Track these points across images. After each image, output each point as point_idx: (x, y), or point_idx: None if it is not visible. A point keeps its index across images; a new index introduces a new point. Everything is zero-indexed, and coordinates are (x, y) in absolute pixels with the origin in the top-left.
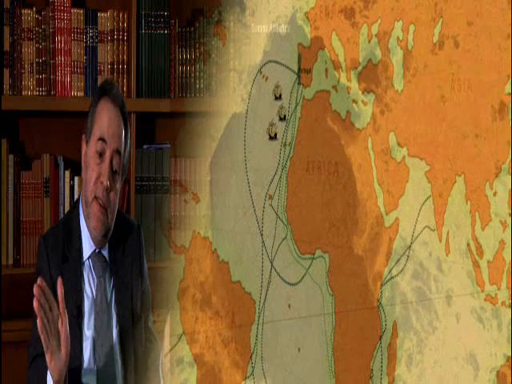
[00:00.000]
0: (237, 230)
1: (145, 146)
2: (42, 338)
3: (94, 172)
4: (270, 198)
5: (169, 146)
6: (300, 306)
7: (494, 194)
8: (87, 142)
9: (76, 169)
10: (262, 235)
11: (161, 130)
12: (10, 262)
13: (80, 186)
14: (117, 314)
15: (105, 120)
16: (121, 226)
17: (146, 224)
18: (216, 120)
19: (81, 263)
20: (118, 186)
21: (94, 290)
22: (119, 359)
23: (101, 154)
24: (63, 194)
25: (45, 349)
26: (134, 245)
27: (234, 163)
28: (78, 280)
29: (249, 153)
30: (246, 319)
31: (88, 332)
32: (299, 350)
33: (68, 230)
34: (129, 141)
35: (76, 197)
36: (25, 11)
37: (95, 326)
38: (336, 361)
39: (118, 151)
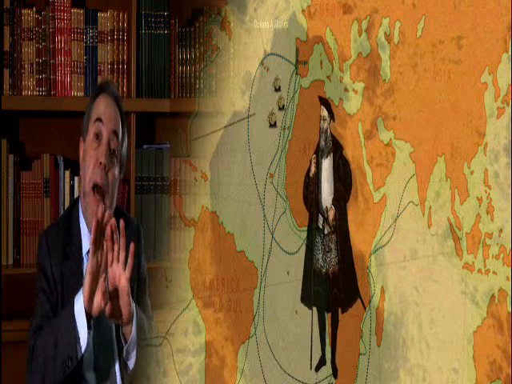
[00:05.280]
0: (241, 205)
1: (145, 146)
2: (90, 278)
3: (92, 158)
4: (271, 176)
5: (169, 145)
6: (298, 272)
7: (472, 172)
8: (84, 138)
9: (76, 169)
10: (263, 210)
11: (161, 130)
12: (10, 262)
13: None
14: None
15: (101, 106)
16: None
17: (146, 224)
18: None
19: (81, 261)
20: (117, 171)
21: None
22: (117, 356)
23: (98, 137)
24: (63, 194)
25: (89, 287)
26: (132, 241)
27: (238, 146)
28: (78, 277)
29: (252, 137)
30: (249, 284)
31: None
32: (296, 311)
33: (68, 228)
34: (126, 137)
35: (76, 196)
36: (25, 11)
37: (94, 323)
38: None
39: (115, 133)
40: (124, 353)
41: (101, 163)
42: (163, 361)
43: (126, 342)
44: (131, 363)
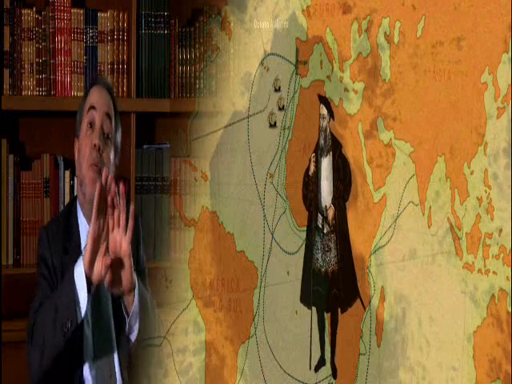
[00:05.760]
0: (241, 205)
1: (145, 146)
2: (91, 243)
3: (88, 145)
4: (271, 176)
5: (169, 145)
6: (298, 272)
7: (472, 172)
8: (78, 136)
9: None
10: (263, 210)
11: (161, 130)
12: (10, 262)
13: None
14: (113, 305)
15: (94, 95)
16: None
17: (146, 224)
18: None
19: (80, 254)
20: (112, 155)
21: None
22: (116, 349)
23: (91, 125)
24: (63, 194)
25: (90, 252)
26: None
27: (238, 146)
28: None
29: (252, 137)
30: (249, 284)
31: (88, 322)
32: (296, 312)
33: (67, 225)
34: (119, 126)
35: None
36: (25, 11)
37: (93, 317)
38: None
39: (108, 115)
40: (126, 326)
41: (95, 145)
42: (164, 361)
43: (127, 315)
44: (133, 336)
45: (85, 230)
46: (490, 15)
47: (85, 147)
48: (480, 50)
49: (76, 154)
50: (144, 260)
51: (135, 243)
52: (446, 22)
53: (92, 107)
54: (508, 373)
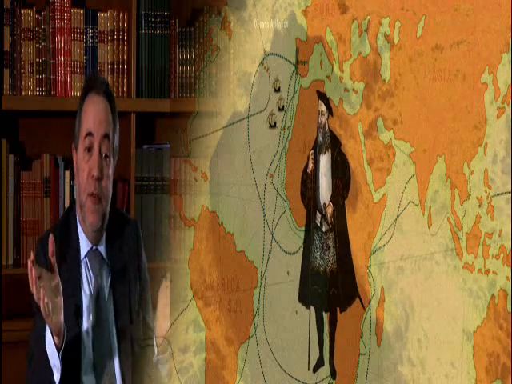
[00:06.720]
0: (241, 205)
1: (145, 146)
2: (40, 304)
3: (85, 171)
4: (271, 176)
5: (169, 145)
6: (298, 272)
7: (471, 173)
8: (76, 149)
9: None
10: (263, 210)
11: (161, 130)
12: (10, 262)
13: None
14: (114, 312)
15: (90, 115)
16: (117, 222)
17: (146, 224)
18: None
19: (79, 264)
20: (111, 171)
21: (92, 288)
22: (117, 356)
23: (89, 149)
24: (63, 194)
25: (43, 313)
26: (131, 240)
27: (238, 146)
28: (76, 280)
29: (252, 137)
30: (249, 284)
31: (87, 330)
32: (296, 312)
33: (65, 230)
34: (118, 126)
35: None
36: (25, 11)
37: (93, 324)
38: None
39: (106, 135)
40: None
41: (93, 176)
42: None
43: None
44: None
45: (84, 238)
46: (490, 16)
47: (82, 172)
48: (480, 50)
49: (75, 165)
50: (146, 269)
51: (136, 251)
52: (446, 23)
53: (89, 134)
54: (508, 372)
